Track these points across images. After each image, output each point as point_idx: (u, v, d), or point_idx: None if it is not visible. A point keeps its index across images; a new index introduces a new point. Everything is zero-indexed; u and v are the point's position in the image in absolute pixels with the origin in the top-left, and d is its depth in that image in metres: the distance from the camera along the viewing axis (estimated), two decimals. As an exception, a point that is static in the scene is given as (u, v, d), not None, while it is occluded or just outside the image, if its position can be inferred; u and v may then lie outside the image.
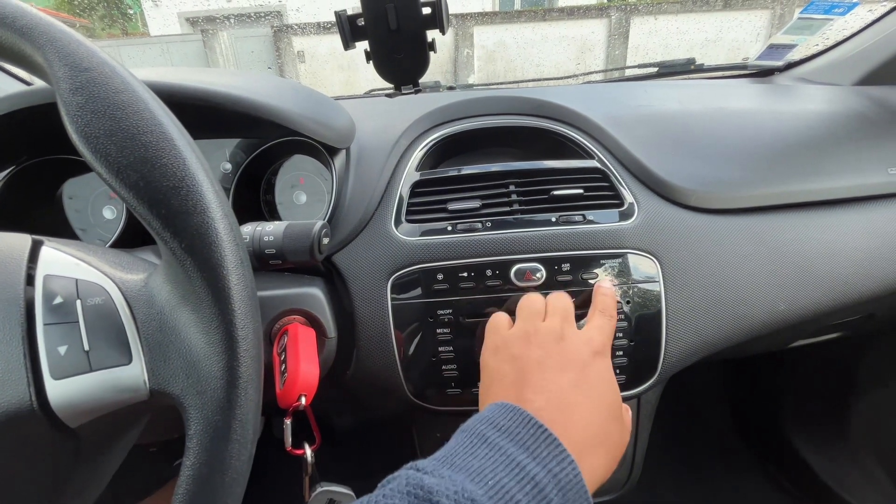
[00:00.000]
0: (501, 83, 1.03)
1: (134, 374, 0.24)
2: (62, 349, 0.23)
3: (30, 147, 0.54)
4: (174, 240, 0.23)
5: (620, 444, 0.37)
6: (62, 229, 0.59)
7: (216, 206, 0.24)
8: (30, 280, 0.25)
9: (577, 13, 5.76)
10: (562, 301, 0.43)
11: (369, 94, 1.00)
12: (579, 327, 0.42)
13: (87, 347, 0.23)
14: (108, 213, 0.60)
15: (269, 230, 0.37)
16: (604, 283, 0.48)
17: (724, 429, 1.03)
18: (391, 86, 0.98)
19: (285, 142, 0.57)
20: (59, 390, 0.23)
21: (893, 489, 0.83)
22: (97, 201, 0.60)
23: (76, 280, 0.25)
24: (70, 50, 0.23)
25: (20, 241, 0.27)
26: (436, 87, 0.89)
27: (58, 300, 0.24)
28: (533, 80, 1.00)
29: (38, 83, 0.58)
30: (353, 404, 0.57)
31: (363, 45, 0.59)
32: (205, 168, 0.25)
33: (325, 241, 0.39)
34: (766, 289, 0.52)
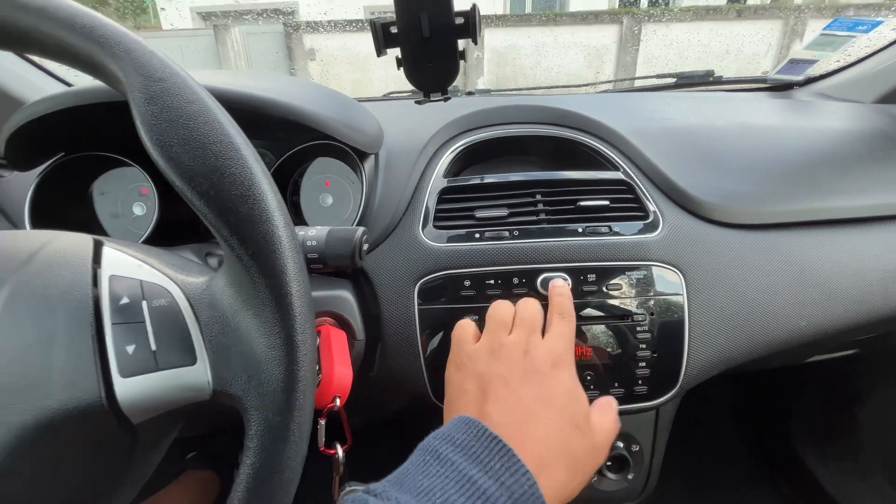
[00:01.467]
0: (519, 89, 1.04)
1: (198, 374, 0.25)
2: (130, 348, 0.24)
3: (67, 144, 0.55)
4: (241, 246, 0.24)
5: (587, 460, 0.35)
6: (92, 225, 0.60)
7: (279, 214, 0.25)
8: (94, 280, 0.25)
9: (589, 18, 5.76)
10: (530, 311, 0.42)
11: (388, 96, 1.01)
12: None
13: (154, 347, 0.24)
14: (138, 209, 0.61)
15: (311, 235, 0.38)
16: (557, 281, 0.47)
17: (733, 441, 1.04)
18: (410, 89, 1.00)
19: (315, 145, 0.58)
20: (126, 388, 0.24)
21: (902, 505, 0.84)
22: (127, 198, 0.61)
23: (140, 281, 0.26)
24: (144, 60, 0.24)
25: (83, 241, 0.28)
26: (454, 91, 0.90)
27: (124, 300, 0.25)
28: (551, 88, 1.00)
29: (79, 84, 0.60)
30: (367, 405, 0.58)
31: (394, 52, 0.59)
32: (268, 177, 0.26)
33: (365, 247, 0.40)
34: (788, 305, 0.53)
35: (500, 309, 0.42)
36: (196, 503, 0.90)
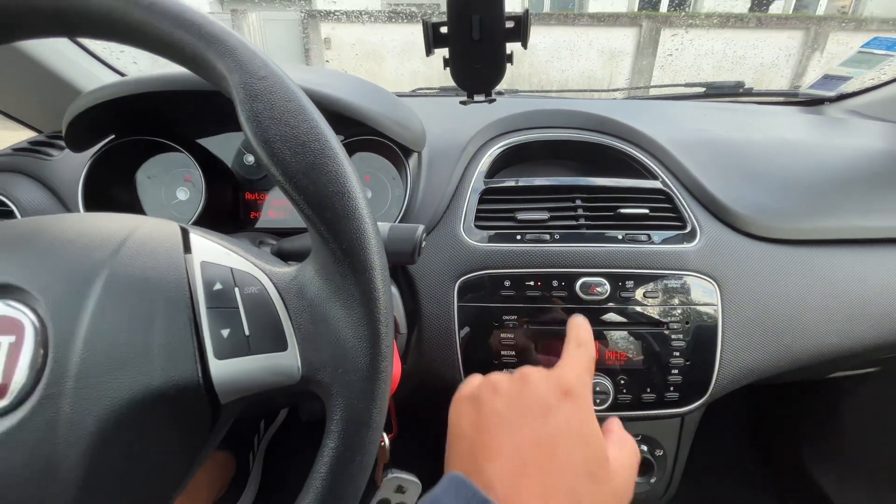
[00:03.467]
0: (548, 91, 1.04)
1: (289, 359, 0.26)
2: (225, 332, 0.25)
3: (119, 128, 0.56)
4: (335, 241, 0.25)
5: None
6: (136, 208, 0.61)
7: (367, 212, 0.26)
8: (186, 264, 0.27)
9: (608, 20, 5.72)
10: None
11: (416, 92, 1.02)
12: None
13: (247, 332, 0.25)
14: (182, 194, 0.62)
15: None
16: (577, 316, 0.43)
17: (744, 454, 1.05)
18: (438, 86, 1.00)
19: (357, 140, 0.59)
20: (221, 369, 0.25)
21: (911, 525, 0.84)
22: (172, 182, 0.62)
23: (231, 269, 0.27)
24: (248, 59, 0.25)
25: (171, 228, 0.29)
26: (492, 102, 0.90)
27: (217, 286, 0.26)
28: (583, 91, 1.01)
29: (132, 73, 0.61)
30: (400, 396, 0.59)
31: (442, 52, 0.60)
32: (357, 174, 0.27)
33: (424, 244, 0.41)
34: (819, 321, 0.53)
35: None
36: (213, 481, 0.92)
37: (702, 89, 0.99)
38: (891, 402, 0.87)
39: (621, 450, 0.34)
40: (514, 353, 0.51)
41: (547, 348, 0.51)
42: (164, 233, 0.28)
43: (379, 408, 0.26)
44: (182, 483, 0.28)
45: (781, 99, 0.98)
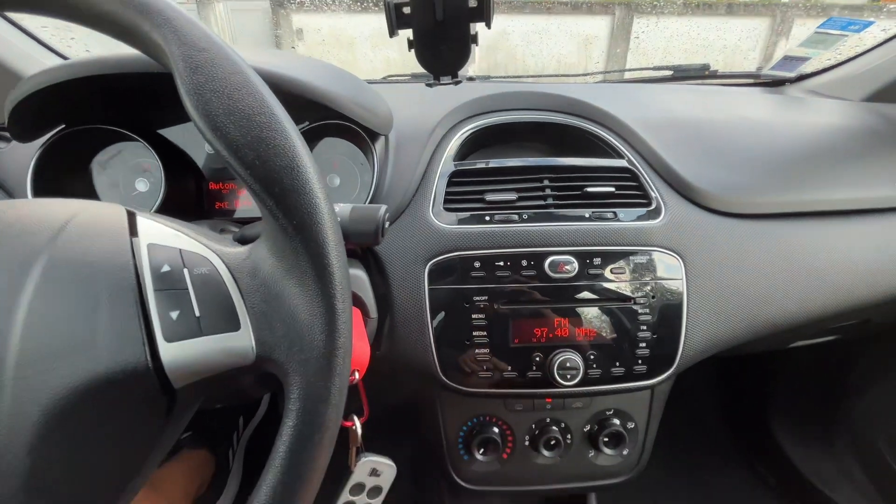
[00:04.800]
0: (519, 76, 1.04)
1: (242, 339, 0.25)
2: (174, 314, 0.24)
3: (67, 117, 0.54)
4: (286, 217, 0.24)
5: None
6: (92, 199, 0.59)
7: (320, 187, 0.25)
8: (132, 247, 0.26)
9: (582, 8, 5.74)
10: None
11: (387, 79, 1.00)
12: None
13: (198, 313, 0.25)
14: (141, 185, 0.60)
15: (335, 211, 0.38)
16: None
17: (714, 425, 1.09)
18: (408, 72, 0.99)
19: (322, 125, 0.58)
20: (171, 352, 0.24)
21: (868, 483, 0.89)
22: (130, 173, 0.60)
23: (180, 250, 0.26)
24: (187, 30, 0.24)
25: (116, 211, 0.28)
26: (458, 84, 0.90)
27: (165, 268, 0.25)
28: (552, 76, 1.01)
29: (76, 56, 0.58)
30: (376, 385, 0.59)
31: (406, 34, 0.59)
32: (308, 150, 0.26)
33: (387, 224, 0.41)
34: (779, 291, 0.55)
35: None
36: (193, 480, 0.91)
37: (669, 72, 1.00)
38: (848, 370, 0.91)
39: None
40: (485, 333, 0.51)
41: (518, 328, 0.51)
42: (109, 216, 0.27)
43: (338, 385, 0.25)
44: (141, 473, 0.27)
45: (745, 81, 1.01)
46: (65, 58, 0.72)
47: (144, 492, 0.81)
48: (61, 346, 0.23)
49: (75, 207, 0.28)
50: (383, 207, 0.38)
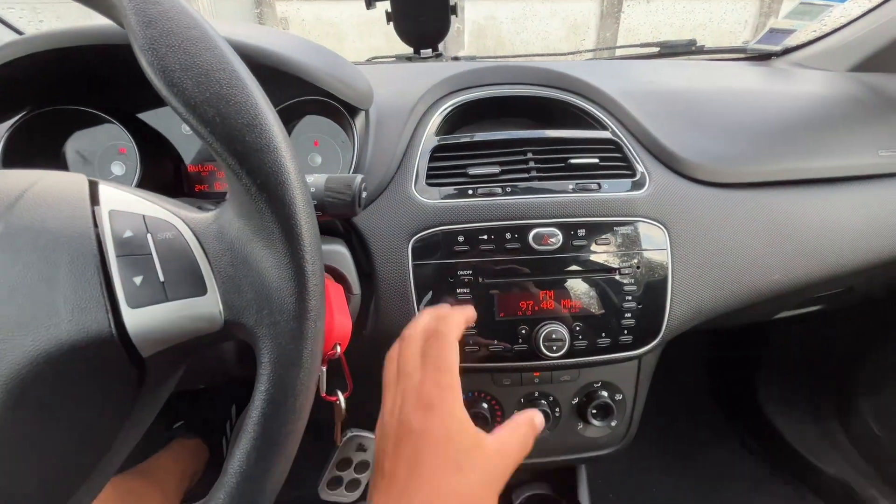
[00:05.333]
0: (505, 56, 1.03)
1: (209, 304, 0.25)
2: (137, 279, 0.24)
3: (33, 98, 0.52)
4: (248, 177, 0.23)
5: (482, 493, 0.32)
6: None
7: (286, 145, 0.25)
8: (94, 216, 0.25)
9: (571, -9, 5.67)
10: (410, 352, 0.38)
11: (372, 61, 0.99)
12: None
13: (162, 278, 0.24)
14: (117, 168, 0.59)
15: (310, 181, 0.37)
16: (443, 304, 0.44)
17: (703, 398, 1.10)
18: (393, 56, 0.97)
19: (302, 102, 0.57)
20: (136, 319, 0.23)
21: (852, 449, 0.91)
22: (105, 156, 0.58)
23: (143, 216, 0.25)
24: None
25: (77, 179, 0.27)
26: (441, 57, 0.88)
27: (127, 234, 0.24)
28: (535, 55, 1.00)
29: (31, 31, 0.56)
30: (364, 364, 0.59)
31: (384, 6, 0.58)
32: (272, 107, 0.25)
33: (364, 194, 0.40)
34: (764, 259, 0.56)
35: (392, 363, 0.40)
36: (186, 469, 0.90)
37: (656, 49, 1.00)
38: (831, 339, 0.93)
39: (510, 433, 0.36)
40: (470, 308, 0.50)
41: (504, 301, 0.51)
42: (69, 185, 0.26)
43: (310, 348, 0.25)
44: (113, 448, 0.27)
45: (731, 56, 1.00)
46: (20, 32, 0.69)
47: (138, 481, 0.81)
48: (20, 316, 0.22)
49: (34, 177, 0.27)
50: (359, 176, 0.37)
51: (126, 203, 0.26)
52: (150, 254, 0.24)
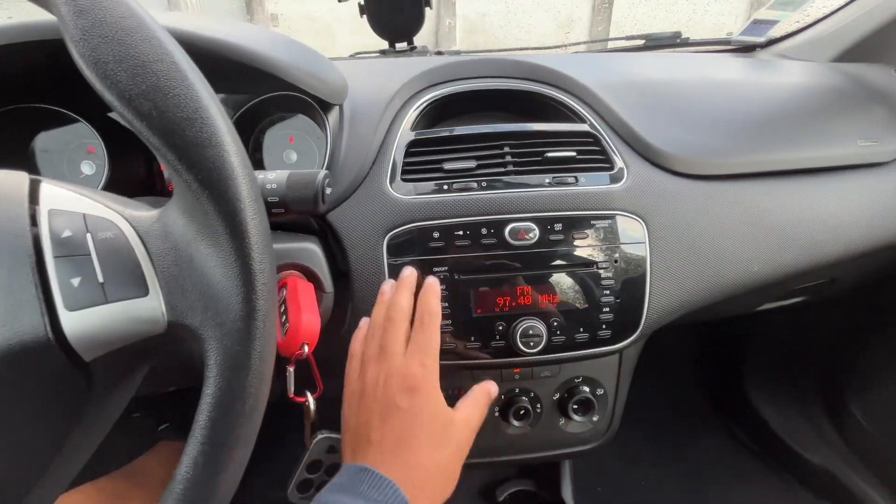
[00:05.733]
0: (489, 51, 1.02)
1: (151, 305, 0.24)
2: (75, 281, 0.23)
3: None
4: (189, 172, 0.23)
5: (452, 466, 0.39)
6: None
7: (230, 139, 0.24)
8: (33, 216, 0.24)
9: (562, -14, 5.65)
10: (392, 332, 0.43)
11: (355, 56, 0.97)
12: None
13: (101, 279, 0.23)
14: (87, 168, 0.57)
15: (271, 178, 0.36)
16: (429, 279, 0.48)
17: (691, 390, 1.10)
18: (376, 52, 0.96)
19: (275, 98, 0.56)
20: (74, 321, 0.23)
21: (839, 440, 0.92)
22: (74, 156, 0.57)
23: (84, 215, 0.24)
24: None
25: (17, 178, 0.26)
26: (423, 51, 0.87)
27: (66, 233, 0.24)
28: (520, 49, 0.99)
29: None
30: (342, 364, 0.58)
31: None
32: (216, 100, 0.24)
33: (329, 190, 0.39)
34: (744, 251, 0.55)
35: (363, 333, 0.46)
36: (170, 471, 0.89)
37: (641, 42, 0.99)
38: (816, 330, 0.93)
39: (465, 410, 0.43)
40: (447, 304, 0.50)
41: (480, 297, 0.50)
42: (7, 183, 0.25)
43: (259, 349, 0.24)
44: (65, 450, 0.26)
45: (716, 48, 1.00)
46: None
47: (123, 482, 0.80)
48: None
49: None
50: (323, 172, 0.37)
51: (67, 202, 0.25)
52: (89, 254, 0.23)
